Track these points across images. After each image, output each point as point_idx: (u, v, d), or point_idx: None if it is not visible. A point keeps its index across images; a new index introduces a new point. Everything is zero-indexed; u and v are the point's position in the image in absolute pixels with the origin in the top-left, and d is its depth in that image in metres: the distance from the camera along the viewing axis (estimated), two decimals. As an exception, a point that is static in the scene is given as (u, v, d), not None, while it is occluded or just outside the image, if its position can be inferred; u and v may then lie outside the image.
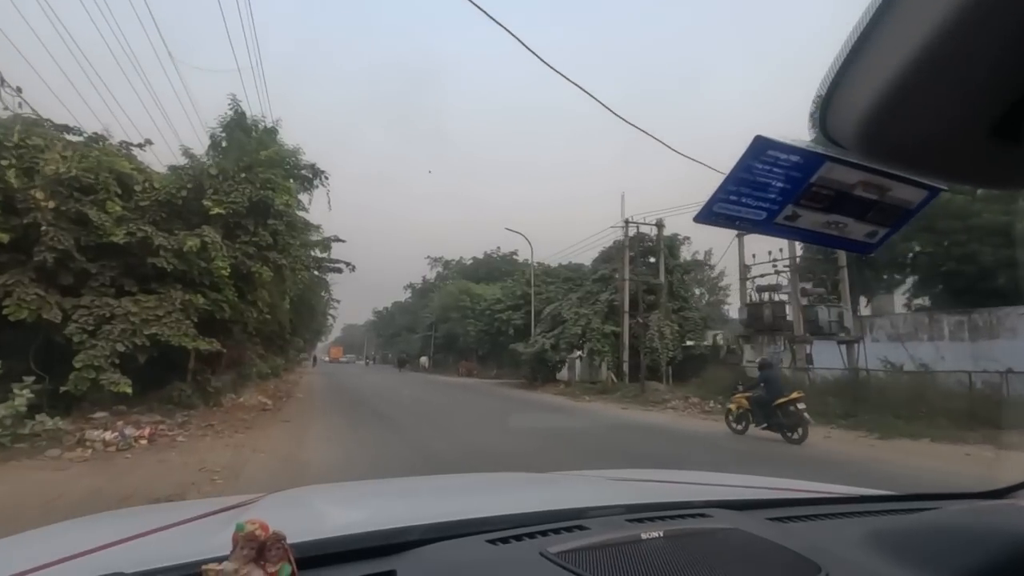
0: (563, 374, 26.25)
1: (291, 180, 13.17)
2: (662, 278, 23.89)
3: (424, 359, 50.50)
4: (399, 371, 46.39)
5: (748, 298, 16.71)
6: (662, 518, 1.15)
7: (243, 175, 11.44)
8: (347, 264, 24.13)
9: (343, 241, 22.99)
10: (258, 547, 0.77)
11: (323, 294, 24.66)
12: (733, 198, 0.70)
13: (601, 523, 1.11)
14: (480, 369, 40.41)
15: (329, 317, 40.62)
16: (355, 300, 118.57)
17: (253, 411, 14.55)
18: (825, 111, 0.49)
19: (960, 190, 13.64)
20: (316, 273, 23.35)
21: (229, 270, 10.66)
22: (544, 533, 1.04)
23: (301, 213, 14.78)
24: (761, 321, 15.07)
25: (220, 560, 0.77)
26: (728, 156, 0.70)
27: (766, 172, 0.67)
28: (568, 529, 1.07)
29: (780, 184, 0.68)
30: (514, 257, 56.96)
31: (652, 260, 25.57)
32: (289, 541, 0.79)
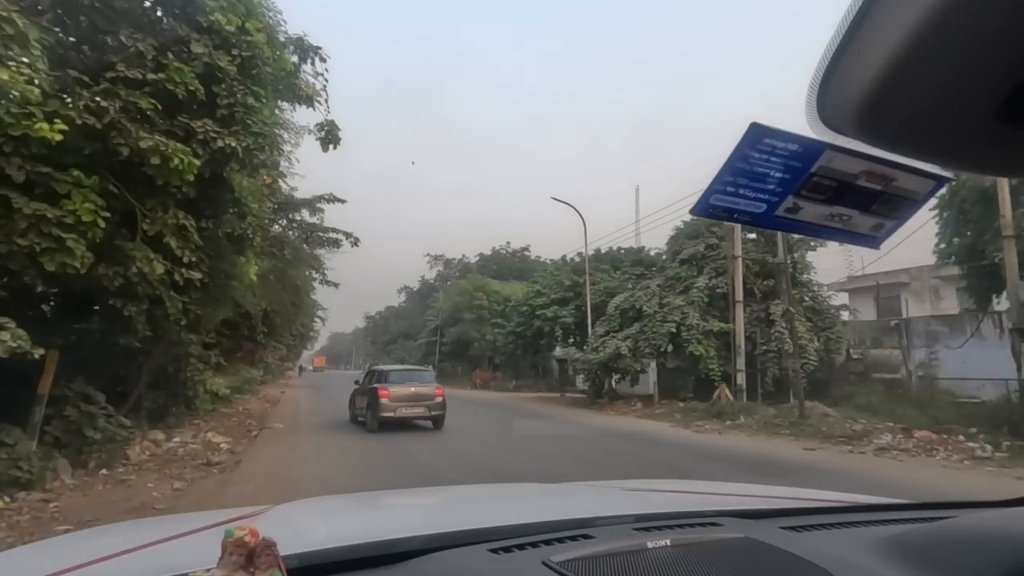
0: (638, 386, 19.63)
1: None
2: (782, 254, 17.40)
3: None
4: None
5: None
6: (671, 527, 1.11)
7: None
8: (348, 235, 17.30)
9: (343, 201, 16.28)
10: (247, 554, 0.74)
11: (313, 274, 17.65)
12: (731, 190, 0.65)
13: (607, 532, 1.08)
14: (498, 379, 34.49)
15: (318, 319, 33.51)
16: (341, 306, 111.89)
17: (186, 470, 7.83)
18: (823, 96, 0.46)
19: (973, 179, 10.33)
20: (306, 247, 16.50)
21: (63, 135, 3.85)
22: (548, 542, 1.01)
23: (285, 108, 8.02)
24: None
25: (209, 569, 0.75)
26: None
27: (764, 162, 0.63)
28: (573, 538, 1.04)
29: (779, 174, 0.64)
30: (526, 253, 50.62)
31: (752, 235, 19.21)
32: (290, 551, 0.77)
